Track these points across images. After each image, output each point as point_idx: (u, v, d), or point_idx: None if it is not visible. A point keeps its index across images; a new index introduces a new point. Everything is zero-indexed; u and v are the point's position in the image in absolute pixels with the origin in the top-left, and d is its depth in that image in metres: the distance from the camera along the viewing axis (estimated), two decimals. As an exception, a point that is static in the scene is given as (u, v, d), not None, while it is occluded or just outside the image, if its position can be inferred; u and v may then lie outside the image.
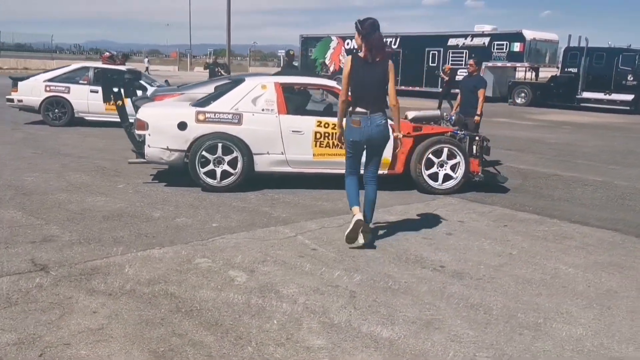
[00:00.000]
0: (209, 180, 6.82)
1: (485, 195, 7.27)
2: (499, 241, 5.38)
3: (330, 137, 7.00)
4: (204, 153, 6.75)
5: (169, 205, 6.17)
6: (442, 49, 28.24)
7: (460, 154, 7.20)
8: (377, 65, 4.82)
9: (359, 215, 4.86)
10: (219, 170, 6.84)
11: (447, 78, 19.69)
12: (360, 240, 4.94)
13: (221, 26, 36.97)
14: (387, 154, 6.73)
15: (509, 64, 26.58)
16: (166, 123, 6.78)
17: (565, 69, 25.13)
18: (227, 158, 6.83)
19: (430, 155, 7.20)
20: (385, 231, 5.52)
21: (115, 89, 7.29)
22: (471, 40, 27.56)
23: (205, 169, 6.81)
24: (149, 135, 6.77)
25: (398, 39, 29.93)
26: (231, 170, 6.85)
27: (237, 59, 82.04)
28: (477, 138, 7.64)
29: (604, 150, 12.31)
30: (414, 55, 28.98)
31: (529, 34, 25.93)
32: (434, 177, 7.28)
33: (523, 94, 25.78)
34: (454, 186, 7.24)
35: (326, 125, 7.00)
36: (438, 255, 4.87)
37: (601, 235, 5.70)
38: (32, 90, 12.67)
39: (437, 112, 8.00)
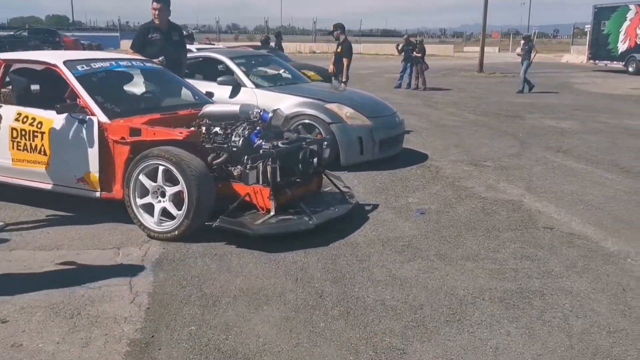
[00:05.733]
0: None
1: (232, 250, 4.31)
2: None
3: (29, 137, 4.96)
4: None
5: None
6: None
7: (182, 178, 4.34)
8: None
9: None
10: None
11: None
12: None
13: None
14: (93, 166, 4.53)
15: None
16: None
17: None
18: None
19: (142, 177, 4.53)
20: None
21: None
22: None
23: None
24: None
25: None
26: None
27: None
28: (271, 150, 4.62)
29: None
30: None
31: None
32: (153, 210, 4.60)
33: None
34: (173, 230, 4.43)
35: (25, 120, 4.98)
36: None
37: None
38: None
39: (235, 108, 5.04)
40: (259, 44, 16.03)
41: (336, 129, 6.87)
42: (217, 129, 4.87)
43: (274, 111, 4.91)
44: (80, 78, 4.93)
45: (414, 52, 17.56)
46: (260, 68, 8.20)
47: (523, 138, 9.67)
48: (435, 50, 47.94)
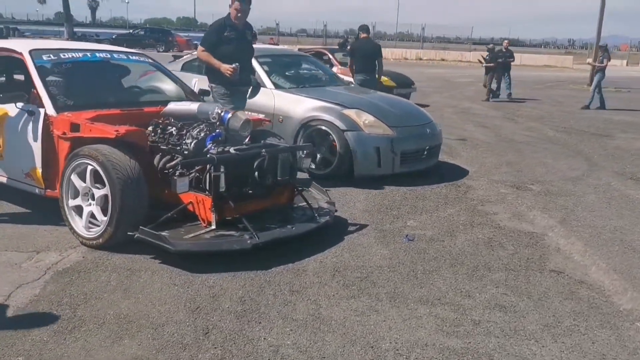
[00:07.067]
0: None
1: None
2: None
3: None
4: None
5: None
6: None
7: (107, 180, 3.92)
8: None
9: None
10: None
11: None
12: None
13: None
14: (37, 162, 4.31)
15: None
16: None
17: None
18: None
19: (74, 176, 4.17)
20: None
21: None
22: None
23: None
24: None
25: None
26: None
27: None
28: (212, 157, 4.12)
29: None
30: None
31: None
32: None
33: None
34: (98, 237, 4.03)
35: None
36: None
37: None
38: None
39: (194, 107, 4.55)
40: (336, 47, 15.52)
41: (351, 137, 6.19)
42: (172, 129, 4.38)
43: (234, 112, 4.33)
44: (41, 68, 4.64)
45: (481, 60, 16.33)
46: (289, 68, 7.65)
47: (596, 160, 8.43)
48: (553, 61, 45.16)
